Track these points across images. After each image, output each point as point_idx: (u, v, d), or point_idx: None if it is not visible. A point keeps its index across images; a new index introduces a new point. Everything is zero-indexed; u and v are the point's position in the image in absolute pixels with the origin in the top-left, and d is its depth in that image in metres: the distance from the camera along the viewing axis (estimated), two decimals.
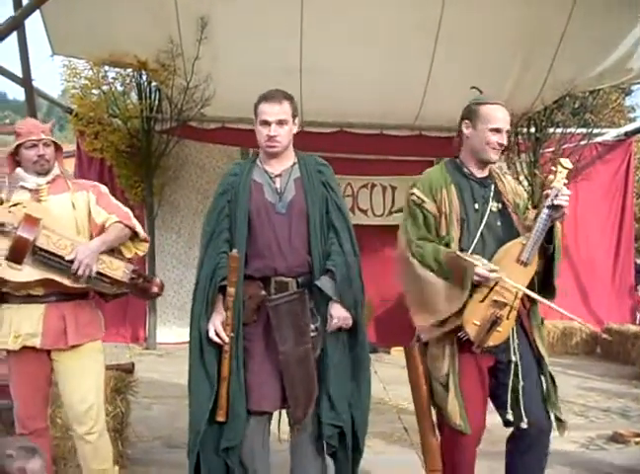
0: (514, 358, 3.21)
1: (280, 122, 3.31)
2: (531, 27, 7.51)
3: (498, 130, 3.28)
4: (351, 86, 8.17)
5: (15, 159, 3.46)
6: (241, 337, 3.26)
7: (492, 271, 3.09)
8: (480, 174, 3.37)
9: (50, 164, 3.43)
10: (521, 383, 3.20)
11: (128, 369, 4.68)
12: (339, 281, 3.28)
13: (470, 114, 3.37)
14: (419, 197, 3.32)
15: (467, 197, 3.30)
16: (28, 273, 3.21)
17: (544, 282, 3.29)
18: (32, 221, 3.19)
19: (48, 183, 3.41)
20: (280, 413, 3.47)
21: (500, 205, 3.32)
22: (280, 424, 3.50)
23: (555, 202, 3.08)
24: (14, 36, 6.38)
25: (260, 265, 3.28)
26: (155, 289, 3.47)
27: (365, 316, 3.48)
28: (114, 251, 3.43)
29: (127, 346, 8.76)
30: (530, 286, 3.21)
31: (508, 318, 3.18)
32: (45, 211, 3.30)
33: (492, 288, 3.16)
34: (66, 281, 3.25)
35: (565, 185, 3.13)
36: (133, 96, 8.97)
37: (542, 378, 3.28)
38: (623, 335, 9.04)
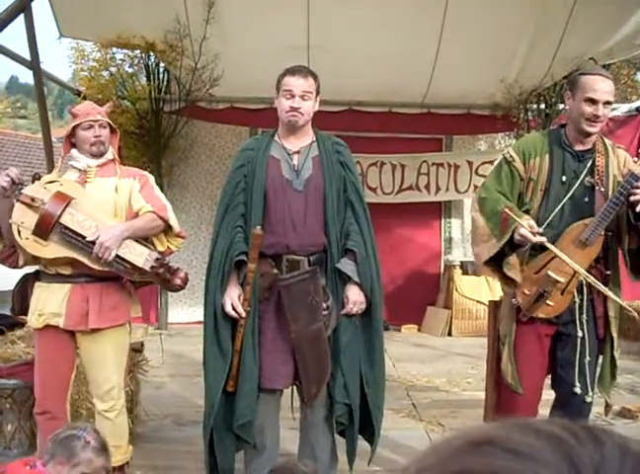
0: (580, 333, 3.25)
1: (304, 96, 3.33)
2: (540, 2, 7.45)
3: (593, 101, 3.20)
4: (359, 64, 8.13)
5: (70, 141, 3.48)
6: (257, 313, 3.29)
7: (536, 234, 3.10)
8: (580, 146, 3.31)
9: (106, 146, 3.46)
10: (587, 359, 3.26)
11: (138, 349, 4.73)
12: (360, 263, 3.30)
13: (571, 84, 3.34)
14: (511, 156, 3.34)
15: (556, 168, 3.28)
16: (52, 249, 3.25)
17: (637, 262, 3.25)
18: (60, 198, 3.22)
19: (99, 165, 3.44)
20: (292, 389, 3.51)
21: (594, 181, 3.26)
22: (292, 399, 3.55)
23: (632, 197, 3.04)
24: (21, 19, 6.40)
25: (272, 241, 3.29)
26: (178, 282, 3.43)
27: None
28: (146, 241, 3.42)
29: (138, 326, 8.83)
30: (598, 268, 3.21)
31: (562, 294, 3.19)
32: (82, 192, 3.33)
33: (548, 262, 3.18)
34: (87, 262, 3.28)
35: None
36: (142, 77, 8.97)
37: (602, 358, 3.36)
38: (635, 310, 9.02)
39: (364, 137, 9.34)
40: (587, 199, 3.24)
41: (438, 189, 9.37)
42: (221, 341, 3.31)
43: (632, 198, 3.04)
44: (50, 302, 3.33)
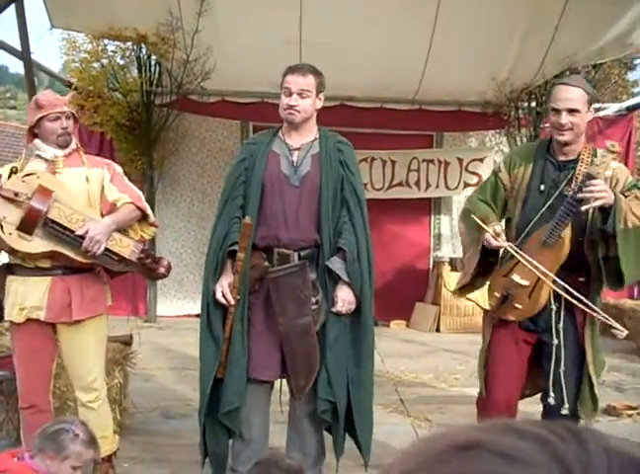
0: (555, 341, 3.23)
1: (302, 93, 3.35)
2: (533, 0, 7.47)
3: (556, 110, 3.21)
4: (351, 59, 8.13)
5: (33, 132, 3.46)
6: (247, 302, 3.32)
7: (497, 237, 3.14)
8: (563, 156, 3.30)
9: (71, 137, 3.45)
10: (562, 368, 3.22)
11: (127, 341, 4.73)
12: (349, 262, 3.31)
13: (548, 94, 3.38)
14: (499, 167, 3.45)
15: (536, 178, 3.30)
16: (37, 244, 3.23)
17: (613, 270, 3.16)
18: (45, 193, 3.21)
19: (65, 155, 3.43)
20: (280, 383, 3.53)
21: (570, 190, 3.19)
22: (281, 393, 3.56)
23: (579, 194, 3.01)
24: (12, 9, 6.36)
25: (265, 233, 3.34)
26: (162, 270, 3.51)
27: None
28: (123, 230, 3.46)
29: (127, 319, 8.83)
30: (573, 277, 3.18)
31: (530, 297, 3.20)
32: (59, 183, 3.32)
33: (514, 266, 3.19)
34: (74, 255, 3.28)
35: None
36: (133, 69, 8.94)
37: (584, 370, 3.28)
38: (620, 309, 9.07)
39: (355, 133, 9.30)
40: None
41: (428, 185, 9.40)
42: (213, 328, 3.35)
43: (579, 195, 3.00)
44: (31, 296, 3.31)
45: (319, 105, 3.45)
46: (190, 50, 8.18)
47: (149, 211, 3.54)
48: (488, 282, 3.42)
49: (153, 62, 8.81)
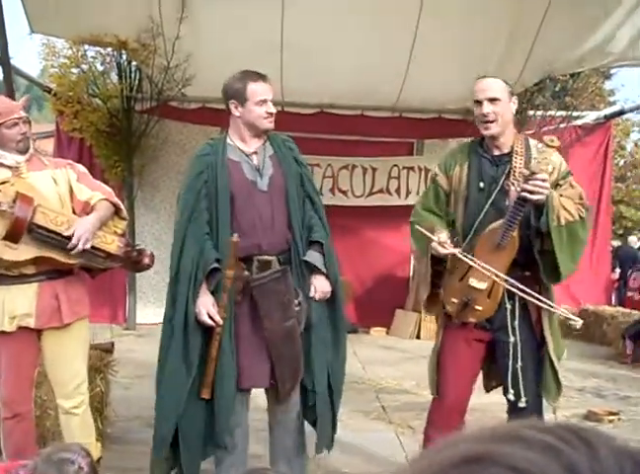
0: (512, 339, 3.24)
1: (269, 100, 3.40)
2: (513, 9, 7.53)
3: (477, 102, 3.24)
4: (332, 66, 8.15)
5: None
6: (233, 318, 3.29)
7: (442, 245, 3.15)
8: (496, 151, 3.30)
9: (29, 141, 3.42)
10: (520, 364, 3.24)
11: (108, 349, 4.69)
12: (326, 254, 3.37)
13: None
14: (435, 173, 3.43)
15: (474, 176, 3.29)
16: (23, 250, 3.19)
17: (550, 265, 3.19)
18: (27, 200, 3.17)
19: (27, 160, 3.40)
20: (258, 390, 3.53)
21: (509, 182, 3.22)
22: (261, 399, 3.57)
23: (526, 187, 2.98)
24: None
25: (244, 244, 3.27)
26: (146, 261, 3.52)
27: (346, 296, 3.57)
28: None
29: (108, 326, 8.76)
30: (518, 269, 3.20)
31: (489, 297, 3.21)
32: (33, 188, 3.29)
33: (469, 270, 3.19)
34: (61, 258, 3.25)
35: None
36: (113, 75, 8.90)
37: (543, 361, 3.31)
38: (599, 316, 9.16)
39: (336, 140, 9.38)
40: (506, 203, 3.20)
41: (408, 192, 9.42)
42: (190, 349, 3.23)
43: (524, 193, 2.98)
44: (19, 304, 3.27)
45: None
46: (170, 57, 8.16)
47: (122, 206, 3.56)
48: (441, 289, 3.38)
49: (134, 68, 8.77)
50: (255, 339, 3.34)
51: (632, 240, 14.94)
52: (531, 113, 9.52)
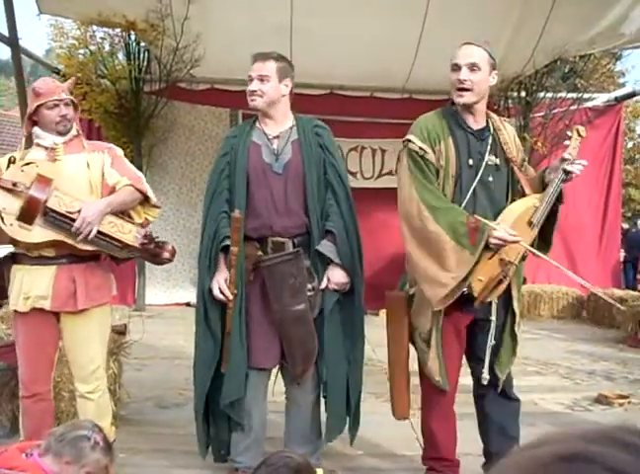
0: (494, 318, 3.22)
1: (262, 78, 3.35)
2: None
3: (457, 66, 3.15)
4: (341, 48, 8.11)
5: (32, 119, 3.41)
6: (244, 294, 3.32)
7: (511, 234, 3.03)
8: (476, 125, 3.21)
9: (71, 124, 3.41)
10: (492, 342, 3.24)
11: (121, 331, 4.70)
12: (339, 244, 3.33)
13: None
14: (421, 148, 3.16)
15: (463, 152, 3.16)
16: (38, 233, 3.18)
17: (543, 238, 3.25)
18: (44, 181, 3.16)
19: (65, 142, 3.39)
20: (278, 372, 3.54)
21: (497, 160, 3.19)
22: (275, 381, 3.57)
23: (569, 169, 3.02)
24: None
25: (256, 224, 3.34)
26: (166, 255, 3.46)
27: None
28: (124, 214, 3.40)
29: (117, 308, 8.79)
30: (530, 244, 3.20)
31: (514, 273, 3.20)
32: (58, 171, 3.26)
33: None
34: (75, 244, 3.23)
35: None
36: (121, 56, 8.87)
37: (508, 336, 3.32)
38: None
39: (345, 121, 9.33)
40: (491, 179, 3.16)
41: None
42: (211, 323, 3.35)
43: (570, 168, 3.04)
44: (36, 285, 3.27)
45: (285, 90, 3.42)
46: (179, 38, 8.13)
47: (150, 193, 3.48)
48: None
49: (142, 49, 8.74)
50: (265, 319, 3.37)
51: None
52: (541, 94, 9.47)
